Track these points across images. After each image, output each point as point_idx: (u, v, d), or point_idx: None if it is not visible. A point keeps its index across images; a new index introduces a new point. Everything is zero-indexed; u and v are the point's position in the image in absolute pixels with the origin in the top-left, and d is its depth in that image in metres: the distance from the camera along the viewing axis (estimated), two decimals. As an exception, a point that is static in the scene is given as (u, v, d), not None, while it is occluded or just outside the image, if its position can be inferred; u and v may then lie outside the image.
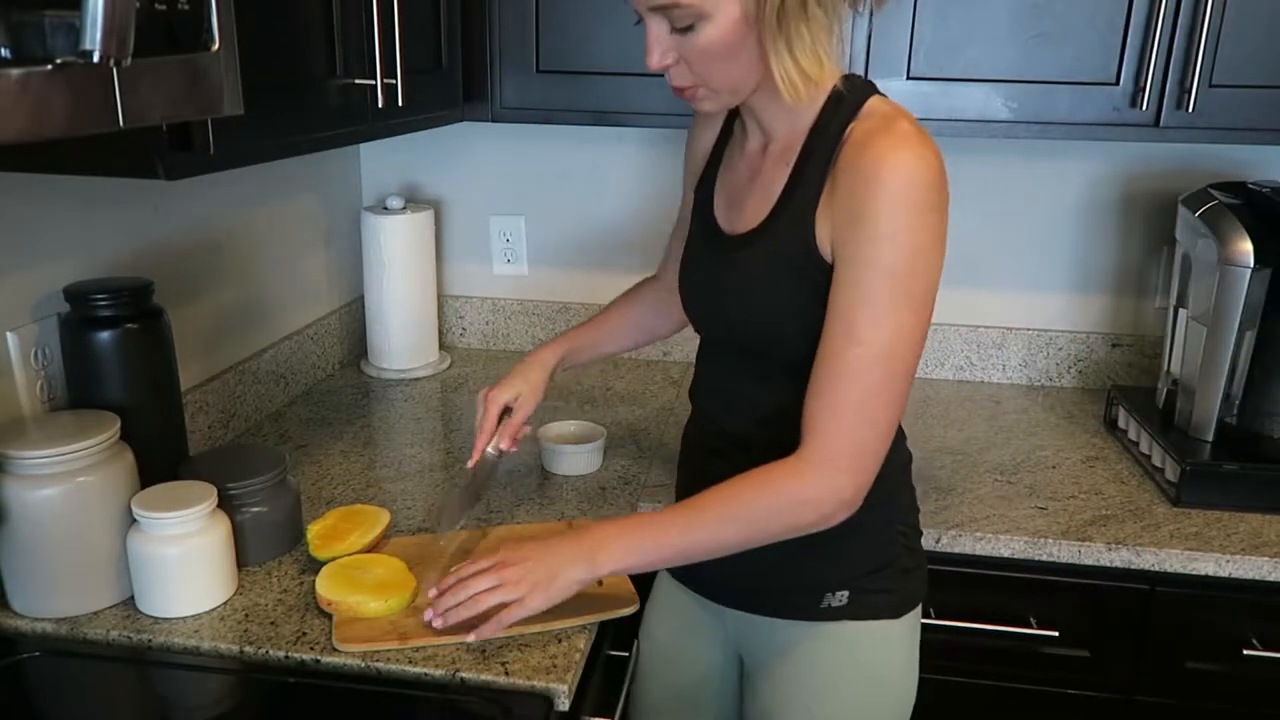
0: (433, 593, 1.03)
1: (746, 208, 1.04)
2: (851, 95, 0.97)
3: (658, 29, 0.93)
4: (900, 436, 1.12)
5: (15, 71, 0.61)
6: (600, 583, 1.14)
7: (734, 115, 1.10)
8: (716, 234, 1.07)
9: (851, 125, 0.95)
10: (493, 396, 1.24)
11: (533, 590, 0.97)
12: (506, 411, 1.25)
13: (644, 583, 1.09)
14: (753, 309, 1.02)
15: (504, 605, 0.98)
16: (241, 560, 1.15)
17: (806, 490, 0.94)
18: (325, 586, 1.07)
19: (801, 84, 0.92)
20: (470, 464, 1.22)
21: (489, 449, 1.23)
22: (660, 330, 1.39)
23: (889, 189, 0.89)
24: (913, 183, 0.89)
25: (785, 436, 0.97)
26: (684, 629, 1.21)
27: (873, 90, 0.98)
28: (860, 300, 0.91)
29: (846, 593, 1.05)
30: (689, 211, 1.26)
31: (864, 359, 0.91)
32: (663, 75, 0.98)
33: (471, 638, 0.99)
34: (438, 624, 1.01)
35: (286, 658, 1.02)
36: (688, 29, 0.91)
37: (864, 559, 1.06)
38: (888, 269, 0.89)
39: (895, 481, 1.11)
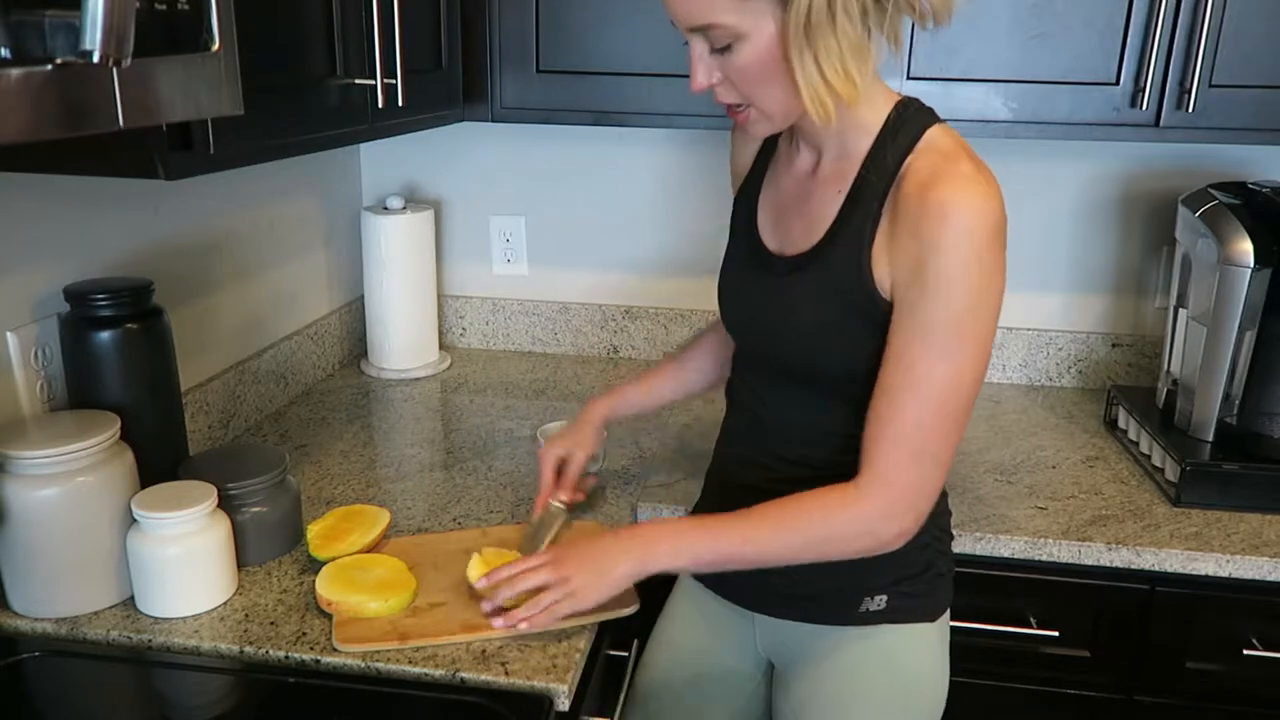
0: (481, 583, 1.07)
1: (794, 229, 1.03)
2: (909, 123, 0.95)
3: (699, 49, 0.93)
4: None
5: (15, 71, 0.61)
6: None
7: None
8: (762, 253, 1.07)
9: (910, 158, 0.94)
10: (544, 452, 1.31)
11: (584, 587, 1.01)
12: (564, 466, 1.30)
13: (653, 586, 1.09)
14: (800, 336, 1.01)
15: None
16: (241, 560, 1.15)
17: (866, 521, 0.95)
18: (325, 586, 1.07)
19: (829, 100, 0.89)
20: (534, 516, 1.28)
21: (554, 502, 1.28)
22: (725, 375, 1.31)
23: (953, 235, 0.88)
24: (978, 227, 0.89)
25: (820, 454, 0.99)
26: (708, 634, 1.21)
27: (932, 118, 0.97)
28: (921, 341, 0.91)
29: (885, 597, 1.06)
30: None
31: (924, 398, 0.91)
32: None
33: (524, 626, 1.02)
34: (499, 624, 1.03)
35: (286, 658, 1.02)
36: (726, 49, 0.90)
37: (903, 564, 1.06)
38: (949, 312, 0.90)
39: None
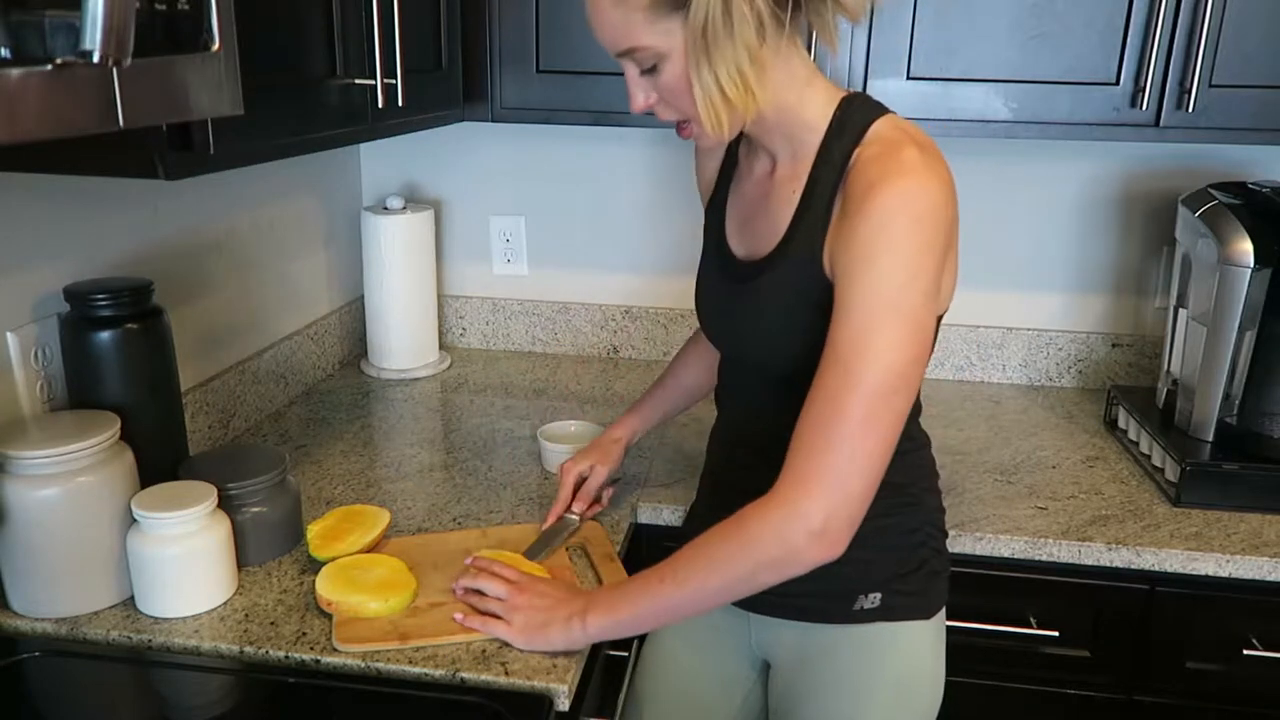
0: (469, 560, 1.13)
1: (757, 232, 1.04)
2: (855, 119, 0.95)
3: (632, 72, 0.95)
4: (924, 440, 1.14)
5: (15, 71, 0.61)
6: (600, 582, 1.15)
7: (736, 141, 1.10)
8: (729, 258, 1.08)
9: (857, 151, 0.93)
10: (567, 467, 1.33)
11: (522, 628, 1.02)
12: (582, 481, 1.33)
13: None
14: (768, 336, 1.02)
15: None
16: (241, 560, 1.15)
17: (769, 522, 0.90)
18: (325, 586, 1.07)
19: (723, 111, 0.90)
20: (545, 526, 1.29)
21: (569, 514, 1.30)
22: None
23: (880, 216, 0.87)
24: (904, 208, 0.87)
25: None
26: (704, 634, 1.21)
27: (879, 111, 0.96)
28: (847, 325, 0.89)
29: (879, 595, 1.05)
30: None
31: (847, 383, 0.87)
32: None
33: (458, 617, 1.05)
34: (458, 593, 1.09)
35: (286, 658, 1.02)
36: (653, 69, 0.92)
37: (896, 562, 1.06)
38: (874, 295, 0.87)
39: (922, 485, 1.12)
